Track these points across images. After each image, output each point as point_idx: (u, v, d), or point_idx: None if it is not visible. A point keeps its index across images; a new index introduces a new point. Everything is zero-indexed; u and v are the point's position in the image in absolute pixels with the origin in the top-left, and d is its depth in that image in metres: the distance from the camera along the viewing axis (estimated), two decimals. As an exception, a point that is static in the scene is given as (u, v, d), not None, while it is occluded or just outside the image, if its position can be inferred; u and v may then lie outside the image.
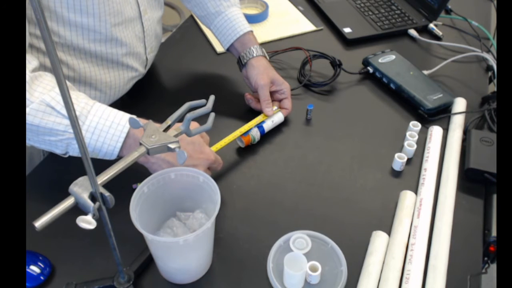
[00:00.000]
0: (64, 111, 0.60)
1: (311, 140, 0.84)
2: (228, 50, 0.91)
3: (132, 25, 0.78)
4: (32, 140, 0.63)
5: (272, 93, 0.85)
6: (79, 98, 0.63)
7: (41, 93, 0.60)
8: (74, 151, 0.64)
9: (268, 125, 0.83)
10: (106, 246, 0.52)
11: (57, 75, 0.35)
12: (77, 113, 0.59)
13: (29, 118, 0.60)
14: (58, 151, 0.64)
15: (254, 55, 0.85)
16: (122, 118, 0.63)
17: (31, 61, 0.63)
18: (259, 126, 0.82)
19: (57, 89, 0.61)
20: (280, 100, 0.86)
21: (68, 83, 0.64)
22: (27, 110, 0.59)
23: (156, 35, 0.87)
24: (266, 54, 0.88)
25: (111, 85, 0.80)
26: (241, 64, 0.87)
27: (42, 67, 0.69)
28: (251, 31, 0.88)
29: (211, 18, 0.90)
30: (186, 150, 0.64)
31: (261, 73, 0.84)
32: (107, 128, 0.62)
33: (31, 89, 0.60)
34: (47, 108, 0.60)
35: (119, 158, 0.62)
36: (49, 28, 0.35)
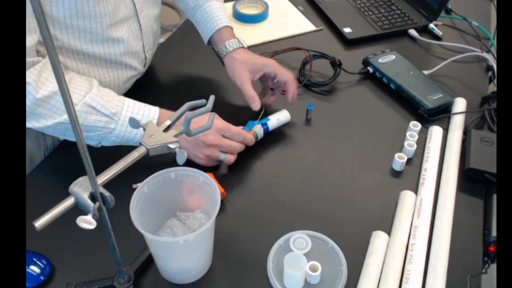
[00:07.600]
0: (103, 110, 0.67)
1: (311, 140, 0.84)
2: (209, 44, 0.89)
3: (128, 24, 0.78)
4: (68, 135, 0.70)
5: (265, 81, 0.85)
6: (110, 95, 0.70)
7: (80, 95, 0.66)
8: (107, 142, 0.71)
9: (273, 123, 0.82)
10: (106, 246, 0.52)
11: (56, 74, 0.35)
12: (114, 110, 0.68)
13: None
14: (93, 143, 0.71)
15: (229, 50, 0.83)
16: (151, 111, 0.72)
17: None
18: (263, 123, 0.81)
19: (94, 90, 0.68)
20: (282, 89, 0.85)
21: (94, 80, 0.70)
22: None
23: (154, 33, 0.87)
24: (244, 44, 0.84)
25: (110, 85, 0.80)
26: (221, 61, 0.86)
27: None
28: (229, 26, 0.86)
29: (192, 12, 0.89)
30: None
31: (238, 70, 0.81)
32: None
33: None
34: (89, 109, 0.67)
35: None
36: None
